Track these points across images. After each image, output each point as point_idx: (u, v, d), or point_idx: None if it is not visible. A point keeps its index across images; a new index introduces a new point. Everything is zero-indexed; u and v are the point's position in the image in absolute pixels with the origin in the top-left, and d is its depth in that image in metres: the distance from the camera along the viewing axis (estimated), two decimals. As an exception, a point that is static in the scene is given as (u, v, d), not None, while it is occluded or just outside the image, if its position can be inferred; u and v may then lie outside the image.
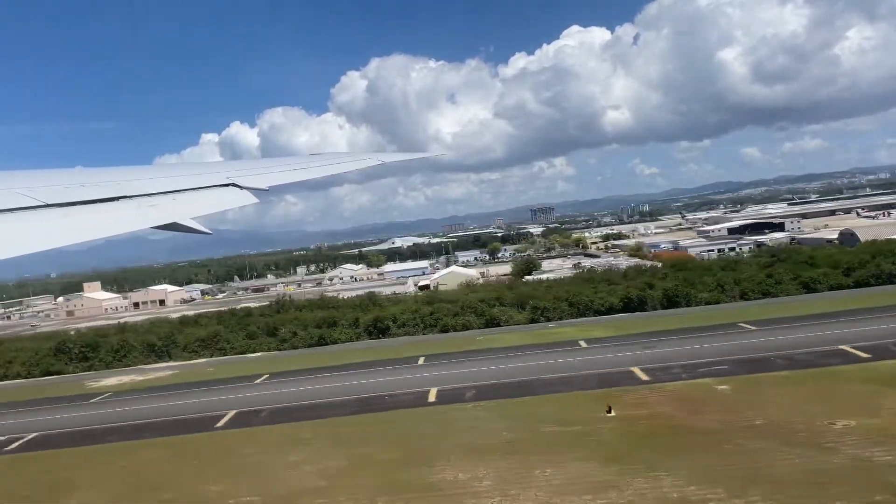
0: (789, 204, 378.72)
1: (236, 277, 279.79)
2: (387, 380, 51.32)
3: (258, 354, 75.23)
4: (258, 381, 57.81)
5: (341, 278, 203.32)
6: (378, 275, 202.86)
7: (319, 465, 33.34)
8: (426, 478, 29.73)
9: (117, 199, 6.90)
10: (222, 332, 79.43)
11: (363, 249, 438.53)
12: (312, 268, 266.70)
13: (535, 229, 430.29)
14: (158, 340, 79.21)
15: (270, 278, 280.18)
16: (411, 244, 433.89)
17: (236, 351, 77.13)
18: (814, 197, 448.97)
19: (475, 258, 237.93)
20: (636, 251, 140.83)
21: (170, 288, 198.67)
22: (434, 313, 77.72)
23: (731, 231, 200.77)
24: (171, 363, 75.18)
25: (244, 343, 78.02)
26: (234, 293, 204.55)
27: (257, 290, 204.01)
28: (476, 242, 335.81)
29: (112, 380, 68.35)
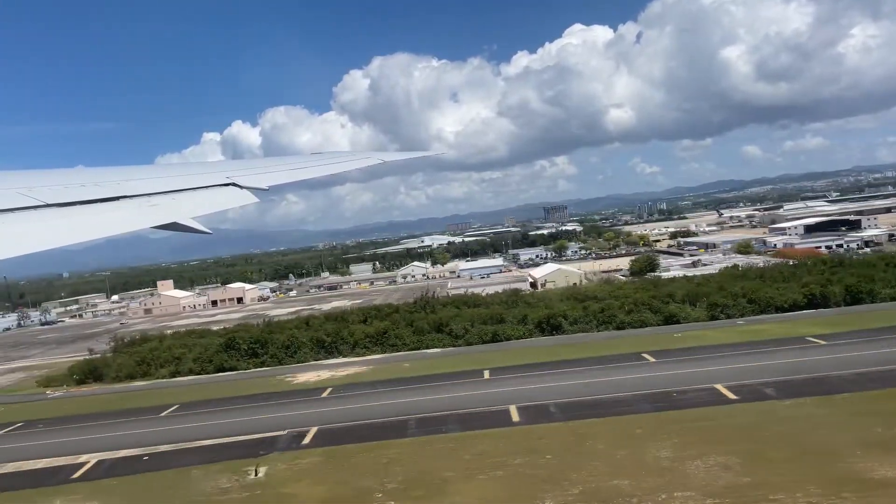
0: (828, 202, 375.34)
1: (291, 276, 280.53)
2: (646, 376, 50.93)
3: (437, 350, 74.97)
4: (485, 376, 57.54)
5: (414, 276, 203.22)
6: (450, 272, 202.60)
7: (707, 460, 32.94)
8: (866, 474, 29.24)
9: (117, 198, 6.87)
10: (391, 329, 79.29)
11: (393, 248, 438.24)
12: (377, 265, 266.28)
13: (573, 226, 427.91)
14: (327, 337, 79.25)
15: (325, 276, 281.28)
16: (446, 243, 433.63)
17: (409, 347, 76.97)
18: (834, 195, 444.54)
19: (537, 255, 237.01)
20: (746, 248, 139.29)
21: (247, 286, 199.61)
22: (605, 310, 77.16)
23: (808, 228, 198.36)
24: (349, 359, 75.09)
25: (414, 339, 77.83)
26: (307, 291, 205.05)
27: (331, 287, 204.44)
28: (524, 241, 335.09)
29: (309, 375, 68.53)
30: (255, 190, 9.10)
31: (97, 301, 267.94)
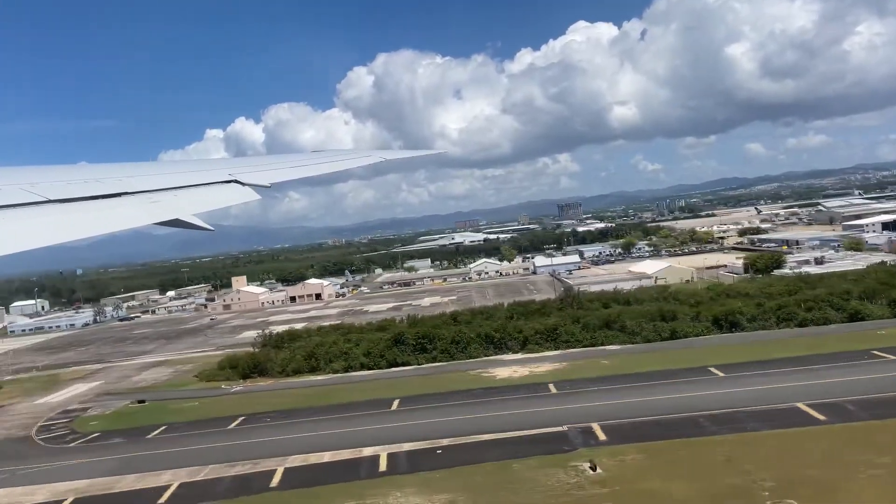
0: (867, 199, 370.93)
1: (347, 272, 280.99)
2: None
3: (616, 347, 74.43)
4: (718, 374, 56.98)
5: (487, 272, 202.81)
6: (524, 269, 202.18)
7: None
8: None
9: (119, 195, 6.91)
10: (561, 325, 78.91)
11: (419, 247, 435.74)
12: (445, 263, 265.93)
13: (593, 224, 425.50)
14: (495, 333, 79.04)
15: (379, 272, 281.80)
16: (481, 240, 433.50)
17: (582, 344, 76.46)
18: (857, 193, 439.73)
19: (599, 252, 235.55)
20: (857, 245, 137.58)
21: (323, 282, 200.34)
22: (783, 307, 76.30)
23: (886, 225, 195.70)
24: (528, 355, 74.49)
25: (587, 336, 77.31)
26: (380, 287, 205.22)
27: (404, 283, 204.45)
28: (575, 237, 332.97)
29: (502, 370, 68.45)
30: (257, 187, 9.18)
31: (157, 297, 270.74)
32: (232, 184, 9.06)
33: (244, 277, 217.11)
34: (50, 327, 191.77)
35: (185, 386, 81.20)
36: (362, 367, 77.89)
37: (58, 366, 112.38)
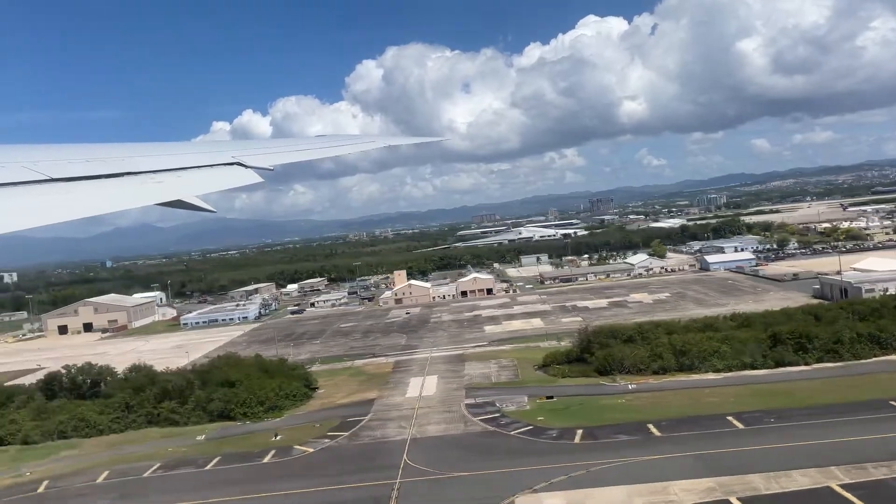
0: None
1: (469, 266, 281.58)
2: None
3: None
4: None
5: (651, 268, 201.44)
6: (689, 265, 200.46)
7: None
8: None
9: (122, 175, 6.87)
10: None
11: (463, 244, 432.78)
12: (589, 259, 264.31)
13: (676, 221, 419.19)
14: (880, 332, 78.35)
15: (496, 266, 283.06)
16: (556, 235, 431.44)
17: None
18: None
19: (743, 248, 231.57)
20: None
21: (492, 277, 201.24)
22: None
23: None
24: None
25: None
26: (541, 283, 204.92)
27: (565, 280, 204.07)
28: (685, 233, 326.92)
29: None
30: (260, 170, 9.09)
31: (286, 290, 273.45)
32: (235, 166, 9.03)
33: (404, 272, 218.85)
34: (223, 320, 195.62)
35: (553, 382, 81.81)
36: (743, 366, 77.70)
37: (330, 359, 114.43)
